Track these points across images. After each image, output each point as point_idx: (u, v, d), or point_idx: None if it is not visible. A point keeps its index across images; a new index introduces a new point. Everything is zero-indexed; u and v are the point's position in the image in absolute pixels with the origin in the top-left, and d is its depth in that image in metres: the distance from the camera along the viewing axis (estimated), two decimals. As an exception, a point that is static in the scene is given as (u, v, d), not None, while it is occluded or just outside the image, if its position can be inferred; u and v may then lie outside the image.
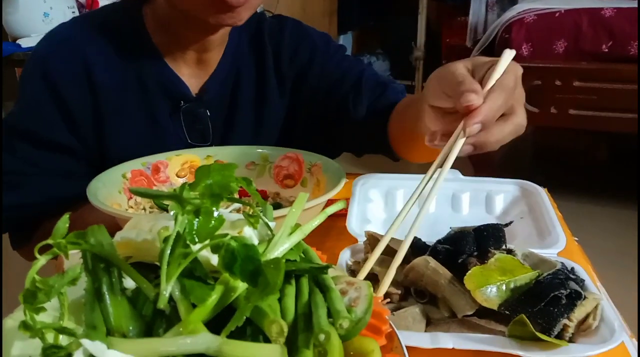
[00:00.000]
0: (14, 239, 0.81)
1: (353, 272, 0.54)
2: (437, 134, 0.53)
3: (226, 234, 0.33)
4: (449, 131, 0.52)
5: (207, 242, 0.33)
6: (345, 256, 0.57)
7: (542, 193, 0.73)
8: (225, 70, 0.81)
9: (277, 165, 0.76)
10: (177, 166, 0.73)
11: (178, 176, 0.73)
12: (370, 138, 0.82)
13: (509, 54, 0.54)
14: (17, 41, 2.37)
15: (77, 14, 2.44)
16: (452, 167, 0.73)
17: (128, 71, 0.76)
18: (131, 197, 0.66)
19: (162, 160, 0.72)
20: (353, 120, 0.81)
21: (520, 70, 0.54)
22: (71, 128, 0.74)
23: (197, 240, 0.33)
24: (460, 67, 0.53)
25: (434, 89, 0.54)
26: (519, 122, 0.52)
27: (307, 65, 0.85)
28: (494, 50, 2.24)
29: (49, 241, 0.33)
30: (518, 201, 0.73)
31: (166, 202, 0.48)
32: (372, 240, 0.56)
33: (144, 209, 0.66)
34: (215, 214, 0.35)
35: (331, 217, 0.43)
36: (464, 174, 0.76)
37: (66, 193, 0.75)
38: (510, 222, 0.57)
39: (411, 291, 0.51)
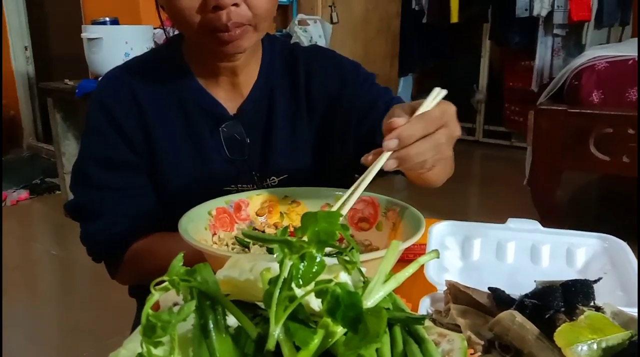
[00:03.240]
0: (110, 268, 0.87)
1: (434, 321, 0.54)
2: (370, 154, 0.62)
3: (330, 280, 0.35)
4: (380, 151, 0.61)
5: (312, 286, 0.34)
6: (425, 304, 0.57)
7: (626, 248, 0.70)
8: (259, 92, 0.87)
9: (352, 208, 0.76)
10: (257, 205, 0.75)
11: (258, 215, 0.75)
12: None
13: (436, 92, 0.65)
14: (99, 79, 2.53)
15: (154, 54, 2.59)
16: (530, 217, 0.72)
17: (170, 96, 0.85)
18: (215, 233, 0.69)
19: (243, 198, 0.74)
20: (378, 146, 0.86)
21: (451, 108, 0.63)
22: (129, 147, 0.83)
23: (301, 284, 0.35)
24: (398, 106, 0.65)
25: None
26: (437, 138, 0.60)
27: (339, 90, 0.90)
28: (562, 96, 2.20)
29: (164, 278, 0.36)
30: (600, 255, 0.71)
31: (259, 244, 0.49)
32: (454, 289, 0.56)
33: (227, 245, 0.68)
34: (318, 259, 0.36)
35: (405, 263, 0.43)
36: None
37: (140, 209, 0.84)
38: (599, 279, 0.56)
39: (495, 345, 0.50)
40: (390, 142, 0.59)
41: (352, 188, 0.63)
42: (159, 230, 0.82)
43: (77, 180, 0.87)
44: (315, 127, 0.90)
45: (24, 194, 3.38)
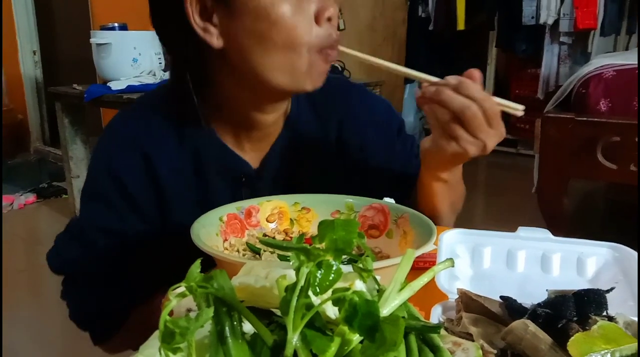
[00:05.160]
0: (97, 335, 0.86)
1: (446, 330, 0.54)
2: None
3: (347, 288, 0.35)
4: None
5: (329, 294, 0.34)
6: (436, 313, 0.57)
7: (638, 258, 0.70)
8: (286, 143, 0.84)
9: (362, 215, 0.77)
10: (267, 211, 0.75)
11: (268, 221, 0.75)
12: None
13: (515, 105, 0.77)
14: (108, 84, 2.54)
15: (162, 59, 2.61)
16: (537, 225, 0.73)
17: (185, 158, 0.80)
18: (226, 240, 0.69)
19: (254, 205, 0.75)
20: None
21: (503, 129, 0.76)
22: (141, 217, 0.81)
23: (318, 291, 0.35)
24: None
25: None
26: (467, 101, 0.69)
27: (373, 141, 0.87)
28: (569, 104, 2.19)
29: (182, 284, 0.36)
30: (611, 265, 0.70)
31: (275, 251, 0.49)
32: (465, 298, 0.56)
33: (238, 251, 0.69)
34: (334, 267, 0.36)
35: (417, 271, 0.43)
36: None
37: (146, 281, 0.81)
38: (612, 288, 0.56)
39: (508, 354, 0.50)
40: (434, 78, 0.70)
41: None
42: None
43: (74, 236, 0.83)
44: (346, 176, 0.87)
45: (31, 197, 3.40)
